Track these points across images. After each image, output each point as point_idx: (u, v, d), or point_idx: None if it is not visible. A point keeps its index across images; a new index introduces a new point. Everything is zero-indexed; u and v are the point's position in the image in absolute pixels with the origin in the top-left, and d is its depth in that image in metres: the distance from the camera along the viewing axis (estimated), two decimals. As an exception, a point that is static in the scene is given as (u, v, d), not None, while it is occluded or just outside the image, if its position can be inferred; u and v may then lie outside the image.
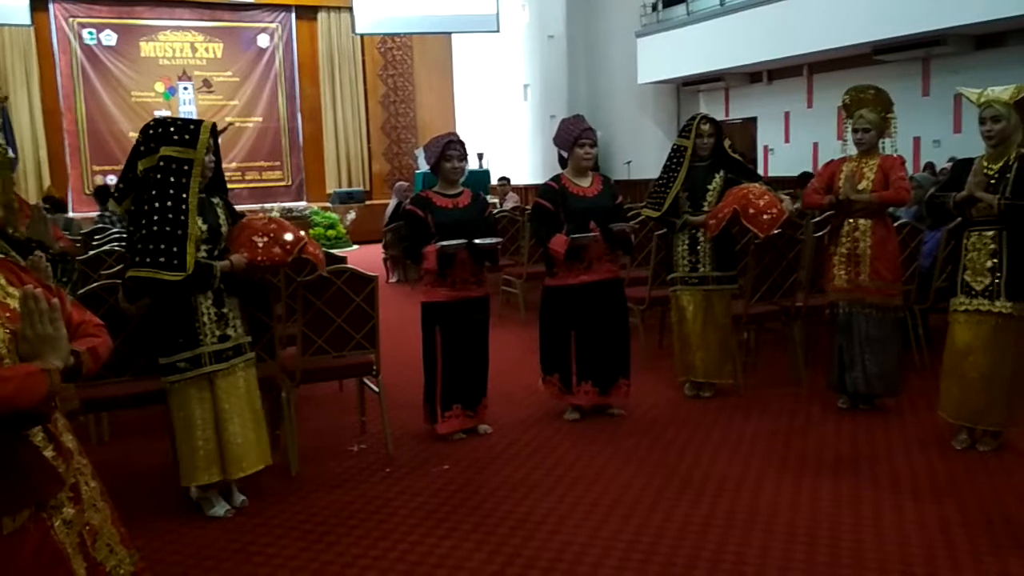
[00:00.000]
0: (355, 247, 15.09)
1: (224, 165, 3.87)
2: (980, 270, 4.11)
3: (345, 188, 18.04)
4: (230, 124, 16.52)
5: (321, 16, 18.53)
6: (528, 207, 9.25)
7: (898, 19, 11.44)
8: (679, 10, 16.15)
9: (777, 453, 4.32)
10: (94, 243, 7.00)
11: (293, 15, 18.35)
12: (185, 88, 17.48)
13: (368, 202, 17.39)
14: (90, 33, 16.70)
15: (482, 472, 4.20)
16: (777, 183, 8.14)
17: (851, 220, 4.75)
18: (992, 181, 4.05)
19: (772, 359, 6.18)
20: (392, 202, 11.81)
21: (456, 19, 17.73)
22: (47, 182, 15.89)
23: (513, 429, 4.84)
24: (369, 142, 19.17)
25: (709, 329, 5.16)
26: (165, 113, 16.22)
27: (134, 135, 3.70)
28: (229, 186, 4.02)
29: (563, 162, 4.97)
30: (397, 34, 18.59)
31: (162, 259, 3.46)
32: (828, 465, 4.14)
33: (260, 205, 15.22)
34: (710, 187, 5.10)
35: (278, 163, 18.50)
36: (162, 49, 17.35)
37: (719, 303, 5.17)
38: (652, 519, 3.57)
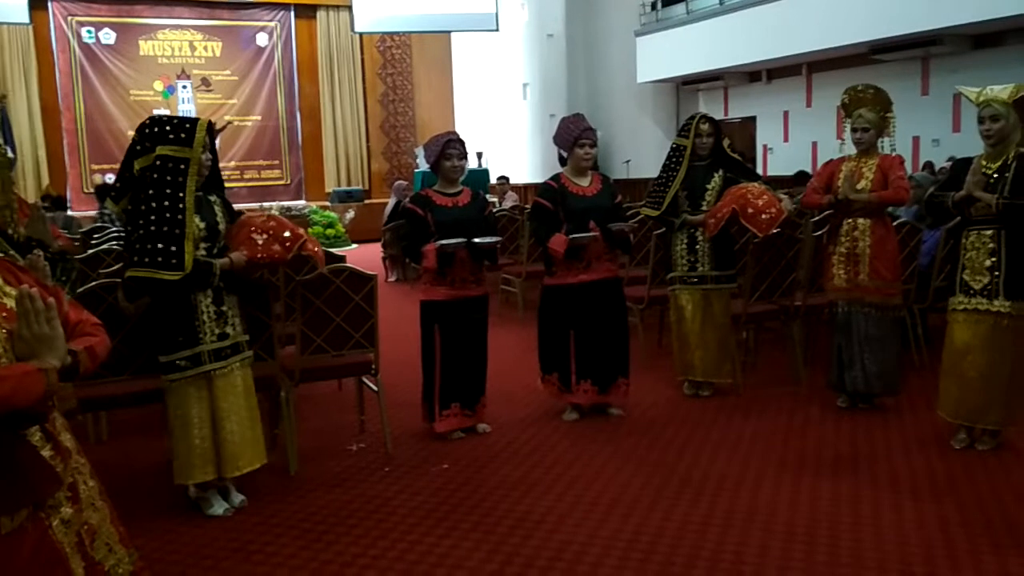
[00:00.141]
0: (354, 246, 15.08)
1: (223, 164, 3.87)
2: (979, 269, 4.11)
3: (344, 187, 18.04)
4: (229, 123, 16.55)
5: (320, 15, 18.52)
6: (527, 206, 9.25)
7: (897, 19, 11.45)
8: (678, 9, 16.15)
9: (776, 452, 4.32)
10: (93, 242, 7.00)
11: (292, 14, 18.34)
12: (184, 87, 17.47)
13: (367, 201, 17.40)
14: (89, 32, 16.69)
15: (481, 471, 4.20)
16: (776, 182, 8.14)
17: (850, 219, 4.75)
18: (991, 180, 4.05)
19: (771, 358, 6.18)
20: (391, 201, 11.80)
21: (455, 18, 17.73)
22: (46, 181, 15.87)
23: (512, 428, 4.84)
24: (368, 141, 19.17)
25: (708, 328, 5.16)
26: (164, 112, 16.20)
27: (133, 134, 3.68)
28: (228, 185, 4.02)
29: (563, 161, 4.96)
30: (396, 33, 18.59)
31: (160, 258, 3.46)
32: (827, 464, 4.14)
33: (259, 204, 15.21)
34: (709, 186, 5.10)
35: (277, 162, 18.49)
36: (161, 48, 17.34)
37: (718, 302, 5.17)
38: (651, 518, 3.57)
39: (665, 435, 4.64)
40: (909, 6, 11.23)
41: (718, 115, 15.54)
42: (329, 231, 15.09)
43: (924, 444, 4.36)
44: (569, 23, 18.74)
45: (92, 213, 13.52)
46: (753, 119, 15.96)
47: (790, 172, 10.96)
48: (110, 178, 15.93)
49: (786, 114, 15.13)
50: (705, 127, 5.10)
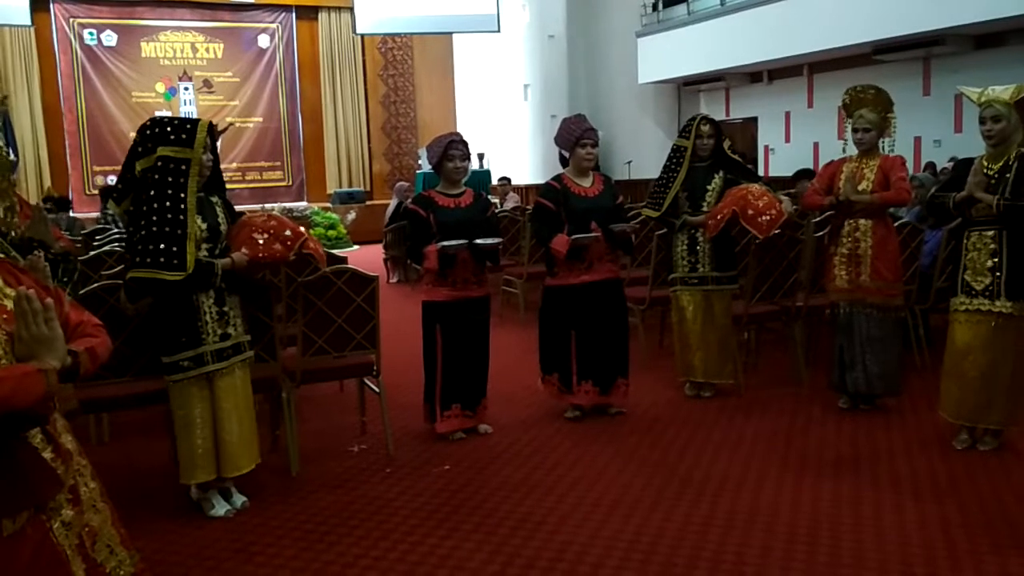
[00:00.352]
0: (355, 247, 15.09)
1: (224, 165, 3.88)
2: (980, 270, 4.10)
3: (345, 188, 18.04)
4: (230, 124, 16.55)
5: (322, 16, 18.53)
6: (528, 207, 9.25)
7: (898, 19, 11.45)
8: (679, 10, 16.15)
9: (778, 453, 4.32)
10: (95, 243, 7.01)
11: (293, 15, 18.35)
12: (186, 88, 17.48)
13: (368, 202, 17.39)
14: (91, 33, 16.71)
15: (482, 472, 4.20)
16: (778, 183, 8.12)
17: (851, 220, 4.75)
18: (992, 181, 4.04)
19: (773, 359, 6.17)
20: (393, 202, 11.81)
21: (456, 19, 17.73)
22: (48, 182, 15.90)
23: (513, 429, 4.83)
24: (369, 142, 19.17)
25: (709, 329, 5.16)
26: (166, 113, 16.22)
27: (135, 135, 3.69)
28: (229, 186, 4.02)
29: (564, 162, 4.97)
30: (398, 34, 18.59)
31: (162, 259, 3.46)
32: (829, 465, 4.14)
33: (260, 205, 15.20)
34: (709, 187, 5.10)
35: (279, 163, 18.50)
36: (163, 49, 17.35)
37: (719, 303, 5.16)
38: (652, 519, 3.57)
39: (666, 436, 4.64)
40: (910, 6, 11.23)
41: (719, 116, 15.56)
42: (331, 232, 15.10)
43: (925, 445, 4.36)
44: (570, 24, 18.75)
45: (94, 215, 13.54)
46: (754, 120, 15.96)
47: (791, 173, 10.95)
48: (112, 179, 15.96)
49: (787, 115, 15.13)
50: (706, 128, 5.10)
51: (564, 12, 18.67)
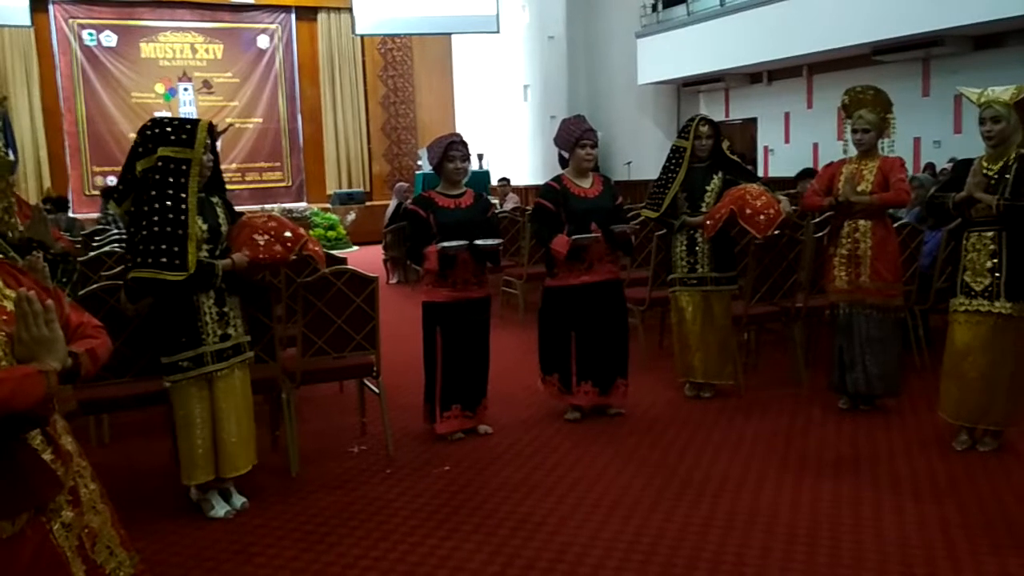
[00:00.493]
0: (355, 248, 15.10)
1: (224, 166, 3.88)
2: (980, 271, 4.10)
3: (345, 189, 18.05)
4: (230, 125, 16.55)
5: (321, 17, 18.54)
6: (528, 208, 9.25)
7: (897, 20, 11.44)
8: (679, 10, 16.15)
9: (777, 454, 4.32)
10: (94, 244, 7.00)
11: (293, 16, 18.36)
12: (185, 89, 17.49)
13: (368, 203, 17.39)
14: (90, 34, 16.71)
15: (483, 473, 4.20)
16: (777, 184, 8.13)
17: (851, 221, 4.75)
18: (992, 182, 4.04)
19: (772, 360, 6.17)
20: (392, 203, 11.81)
21: (456, 20, 17.74)
22: (47, 182, 15.90)
23: (513, 430, 4.83)
24: (369, 143, 19.18)
25: (708, 330, 5.16)
26: (165, 114, 16.21)
27: (134, 136, 3.69)
28: (229, 187, 4.02)
29: (564, 162, 4.97)
30: (397, 35, 18.60)
31: (164, 259, 3.46)
32: (828, 466, 4.14)
33: (260, 206, 15.21)
34: (708, 188, 5.10)
35: (278, 164, 18.51)
36: (162, 50, 17.36)
37: (718, 304, 5.16)
38: (652, 520, 3.57)
39: (666, 436, 4.64)
40: (910, 7, 11.23)
41: (719, 117, 15.57)
42: (330, 233, 15.10)
43: (925, 445, 4.36)
44: (570, 25, 18.75)
45: (94, 215, 13.53)
46: (754, 120, 15.96)
47: (791, 173, 10.95)
48: (111, 180, 15.96)
49: (787, 115, 15.13)
50: (704, 129, 5.10)
51: (564, 13, 18.67)
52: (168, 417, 3.76)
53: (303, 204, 17.67)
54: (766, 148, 15.62)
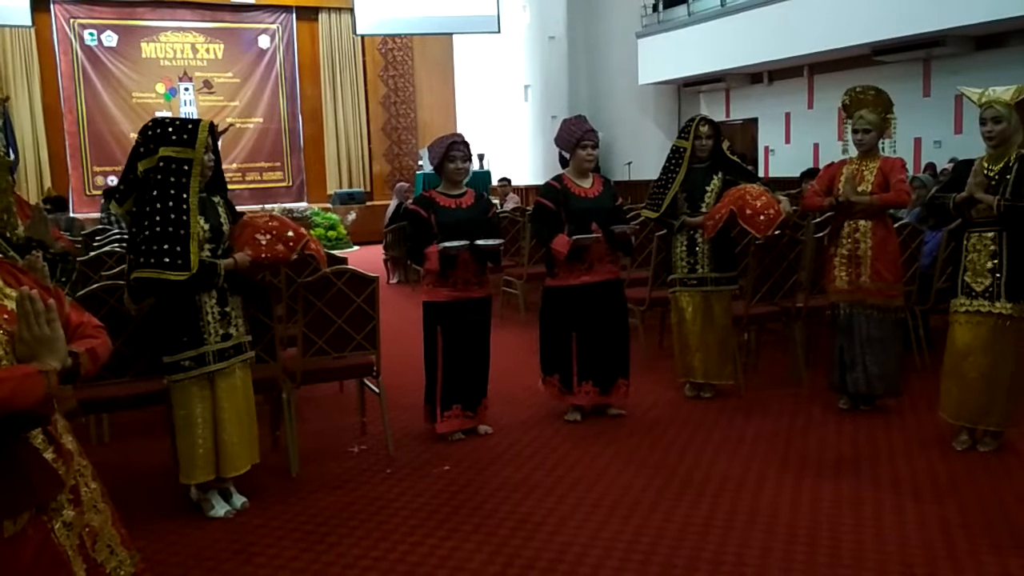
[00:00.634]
0: (356, 248, 15.10)
1: (225, 166, 3.89)
2: (980, 271, 4.10)
3: (346, 189, 18.05)
4: (231, 125, 16.57)
5: (322, 17, 18.54)
6: (529, 208, 9.24)
7: (898, 20, 11.45)
8: (680, 11, 16.16)
9: (778, 454, 4.32)
10: (95, 244, 7.01)
11: (294, 16, 18.36)
12: (186, 89, 17.49)
13: (369, 203, 17.40)
14: (91, 34, 16.71)
15: (483, 473, 4.20)
16: (778, 184, 8.13)
17: (851, 221, 4.75)
18: (992, 182, 4.04)
19: (773, 360, 6.17)
20: (393, 203, 11.81)
21: (457, 20, 17.73)
22: (48, 182, 15.90)
23: (514, 430, 4.83)
24: (370, 143, 19.18)
25: (708, 330, 5.16)
26: (166, 114, 16.22)
27: (135, 136, 3.70)
28: (230, 187, 4.03)
29: (564, 163, 4.97)
30: (398, 35, 18.59)
31: (166, 259, 3.47)
32: (829, 466, 4.14)
33: (261, 206, 15.22)
34: (708, 188, 5.10)
35: (279, 164, 18.51)
36: (163, 50, 17.35)
37: (718, 304, 5.16)
38: (652, 520, 3.57)
39: (666, 437, 4.64)
40: (911, 7, 11.23)
41: (719, 117, 15.57)
42: (331, 233, 15.10)
43: (926, 445, 4.36)
44: (570, 25, 18.76)
45: (95, 215, 13.54)
46: (755, 121, 15.96)
47: (792, 174, 10.96)
48: (112, 180, 15.96)
49: (788, 116, 15.13)
50: (704, 129, 5.10)
51: (564, 13, 18.67)
52: (168, 416, 3.76)
53: (303, 204, 17.67)
54: (767, 148, 15.62)
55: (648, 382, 5.61)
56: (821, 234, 5.39)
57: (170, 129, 3.57)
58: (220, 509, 3.76)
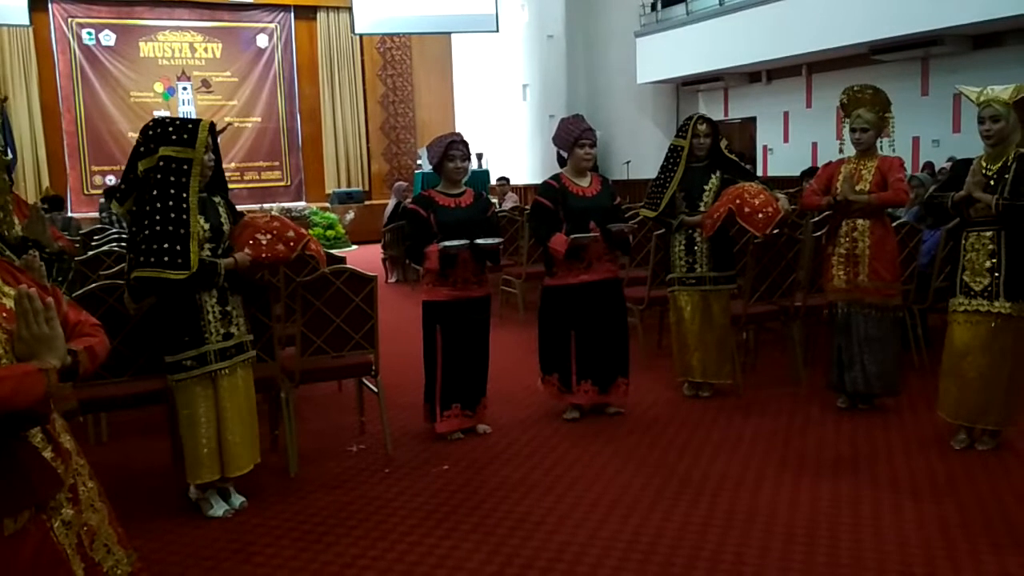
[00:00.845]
0: (354, 247, 15.09)
1: (223, 165, 3.88)
2: (979, 270, 4.10)
3: (344, 188, 18.04)
4: (229, 124, 16.55)
5: (320, 16, 18.52)
6: (527, 207, 9.25)
7: (896, 19, 11.45)
8: (678, 10, 16.15)
9: (776, 453, 4.32)
10: (93, 243, 7.00)
11: (292, 15, 18.34)
12: (184, 88, 17.47)
13: (367, 202, 17.40)
14: (89, 33, 16.69)
15: (481, 472, 4.20)
16: (776, 183, 8.14)
17: (849, 220, 4.75)
18: (991, 181, 4.04)
19: (771, 359, 6.18)
20: (391, 202, 11.81)
21: (455, 19, 17.72)
22: (46, 182, 15.88)
23: (512, 429, 4.83)
24: (368, 142, 19.16)
25: (707, 330, 5.16)
26: (164, 113, 16.21)
27: (133, 135, 3.70)
28: (228, 186, 4.03)
29: (562, 162, 4.97)
30: (396, 34, 18.59)
31: (166, 258, 3.47)
32: (827, 465, 4.14)
33: (259, 205, 15.20)
34: (706, 187, 5.10)
35: (277, 163, 18.50)
36: (161, 49, 17.34)
37: (716, 303, 5.16)
38: (651, 519, 3.57)
39: (665, 436, 4.64)
40: (909, 6, 11.23)
41: (718, 116, 15.56)
42: (329, 232, 15.09)
43: (924, 444, 4.36)
44: (569, 24, 18.74)
45: (92, 215, 13.53)
46: (753, 120, 15.96)
47: (790, 173, 11.00)
48: (110, 179, 15.95)
49: (786, 115, 15.13)
50: (702, 128, 5.09)
51: (563, 12, 18.66)
52: (169, 416, 3.76)
53: (302, 203, 17.65)
54: (765, 147, 15.62)
55: (647, 381, 5.61)
56: (819, 233, 5.39)
57: (170, 129, 3.58)
58: (219, 509, 3.76)
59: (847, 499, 3.70)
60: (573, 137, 4.81)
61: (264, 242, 3.74)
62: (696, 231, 5.09)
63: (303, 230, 3.94)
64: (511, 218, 8.84)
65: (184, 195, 3.52)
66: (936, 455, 4.21)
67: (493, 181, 13.69)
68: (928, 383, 4.90)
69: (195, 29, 17.57)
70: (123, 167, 3.73)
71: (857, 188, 4.68)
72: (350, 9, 17.38)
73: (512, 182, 13.60)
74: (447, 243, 4.41)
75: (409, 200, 7.90)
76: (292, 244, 3.80)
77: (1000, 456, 4.16)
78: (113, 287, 3.84)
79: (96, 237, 7.48)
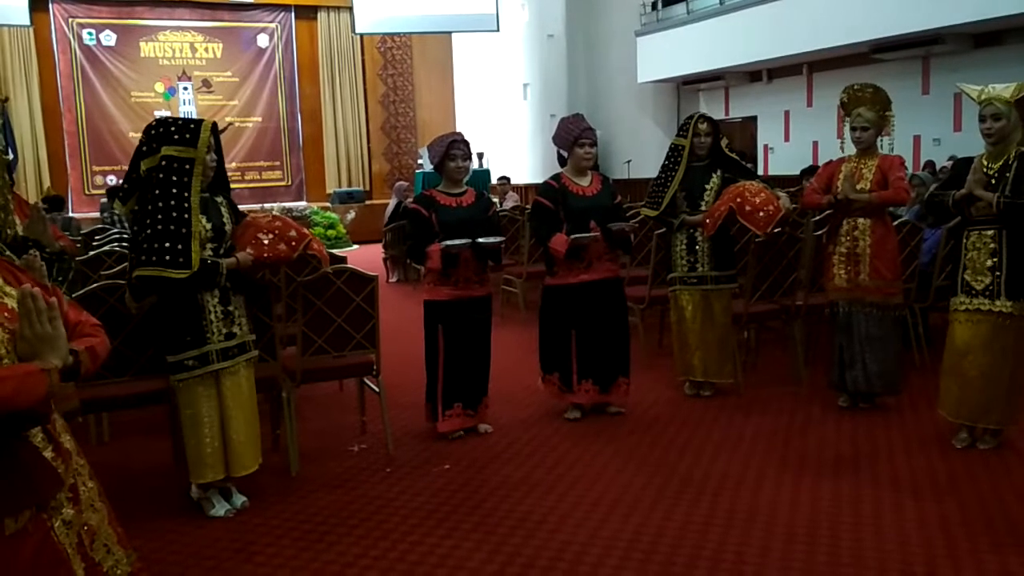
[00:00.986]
0: (355, 247, 15.09)
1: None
2: (980, 269, 4.10)
3: (345, 188, 18.04)
4: (230, 124, 16.56)
5: (321, 16, 18.53)
6: (528, 206, 9.25)
7: (897, 18, 11.44)
8: (679, 9, 16.15)
9: (777, 452, 4.32)
10: (94, 243, 7.00)
11: (292, 15, 18.35)
12: (185, 88, 17.48)
13: (368, 202, 17.40)
14: (90, 33, 16.70)
15: (482, 471, 4.20)
16: (777, 182, 8.13)
17: (850, 219, 4.75)
18: (992, 180, 4.04)
19: (772, 358, 6.18)
20: (392, 202, 11.82)
21: (456, 18, 17.72)
22: (47, 182, 15.89)
23: (513, 428, 4.84)
24: (369, 142, 19.17)
25: (708, 329, 5.16)
26: (165, 113, 16.21)
27: (134, 135, 3.71)
28: (230, 186, 4.03)
29: (562, 161, 4.97)
30: (397, 34, 18.59)
31: (168, 257, 3.47)
32: (828, 464, 4.14)
33: (260, 205, 15.22)
34: (708, 186, 5.10)
35: (278, 163, 18.50)
36: (162, 49, 17.34)
37: (718, 303, 5.16)
38: (652, 518, 3.57)
39: (666, 435, 4.64)
40: (909, 5, 11.22)
41: (719, 115, 15.56)
42: (330, 232, 15.09)
43: (925, 443, 4.36)
44: (569, 23, 18.74)
45: (93, 215, 13.54)
46: (754, 119, 15.95)
47: (791, 172, 10.97)
48: (111, 179, 15.95)
49: (787, 114, 15.12)
50: (703, 127, 5.09)
51: (563, 11, 18.66)
52: (171, 416, 3.76)
53: (303, 203, 17.65)
54: (766, 146, 15.62)
55: (648, 380, 5.61)
56: (820, 232, 5.39)
57: (173, 129, 3.58)
58: (220, 508, 3.76)
59: (848, 498, 3.70)
60: (573, 136, 4.81)
61: (266, 242, 3.75)
62: (697, 230, 5.09)
63: (305, 230, 3.95)
64: (512, 217, 8.84)
65: (186, 194, 3.53)
66: (937, 454, 4.20)
67: (494, 180, 13.68)
68: (929, 382, 4.89)
69: (196, 29, 17.58)
70: (124, 167, 3.75)
71: (858, 187, 4.68)
72: (351, 9, 17.37)
73: (513, 181, 13.60)
74: (449, 242, 4.41)
75: (410, 200, 7.90)
76: (294, 244, 3.81)
77: (1001, 455, 4.16)
78: (114, 287, 3.84)
79: (97, 237, 7.48)
